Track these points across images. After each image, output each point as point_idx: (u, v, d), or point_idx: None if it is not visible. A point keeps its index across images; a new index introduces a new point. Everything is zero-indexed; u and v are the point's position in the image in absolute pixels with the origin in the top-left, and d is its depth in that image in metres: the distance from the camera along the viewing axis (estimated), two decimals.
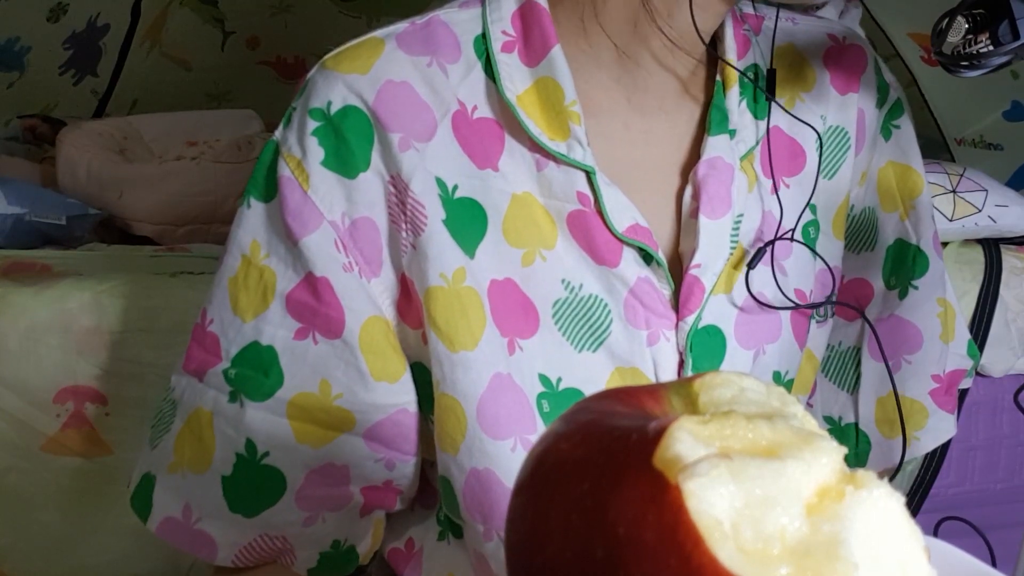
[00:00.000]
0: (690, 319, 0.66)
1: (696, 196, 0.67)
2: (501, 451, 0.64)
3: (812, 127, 0.72)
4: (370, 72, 0.64)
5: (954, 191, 1.38)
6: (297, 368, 0.65)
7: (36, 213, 1.44)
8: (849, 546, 0.26)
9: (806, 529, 0.27)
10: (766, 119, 0.70)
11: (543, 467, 0.31)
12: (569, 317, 0.66)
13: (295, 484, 0.66)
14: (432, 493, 0.73)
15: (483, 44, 0.66)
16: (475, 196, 0.65)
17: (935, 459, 1.37)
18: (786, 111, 0.72)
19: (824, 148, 0.75)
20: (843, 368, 0.84)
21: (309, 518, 0.68)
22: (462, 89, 0.65)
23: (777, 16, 0.74)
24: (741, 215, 0.69)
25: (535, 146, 0.65)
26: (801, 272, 0.73)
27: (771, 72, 0.71)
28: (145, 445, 0.70)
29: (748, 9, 0.74)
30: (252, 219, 0.66)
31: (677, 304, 0.67)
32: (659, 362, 0.67)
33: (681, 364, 0.67)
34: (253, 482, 0.66)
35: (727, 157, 0.68)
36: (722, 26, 0.69)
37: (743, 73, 0.69)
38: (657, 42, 0.65)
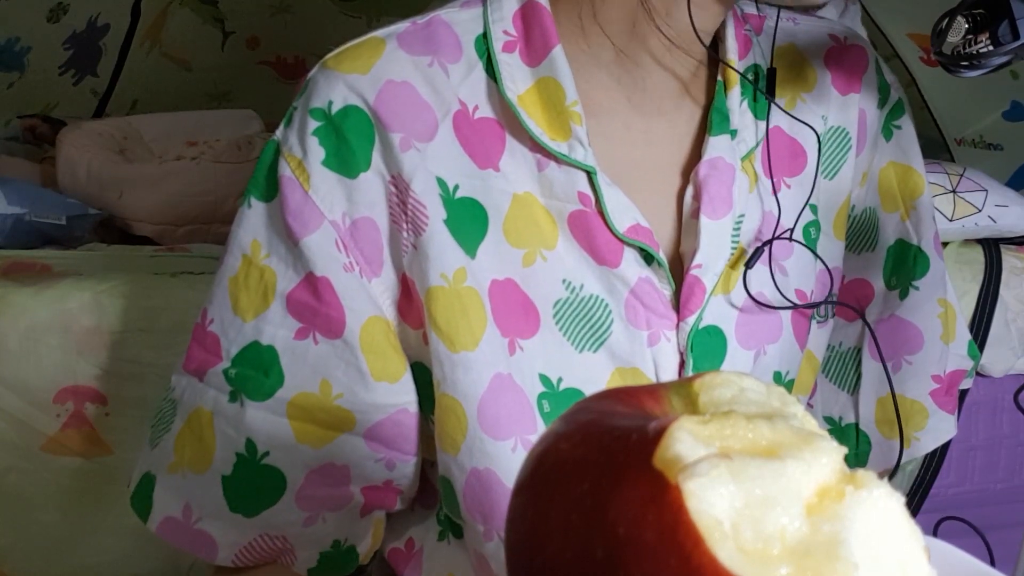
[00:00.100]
0: (691, 319, 0.66)
1: (697, 196, 0.67)
2: (502, 451, 0.64)
3: (811, 127, 0.72)
4: (371, 72, 0.64)
5: (954, 191, 1.38)
6: (297, 368, 0.65)
7: (36, 213, 1.44)
8: (849, 546, 0.26)
9: (806, 529, 0.27)
10: (767, 119, 0.70)
11: (543, 467, 0.31)
12: (570, 317, 0.66)
13: (295, 484, 0.66)
14: (432, 493, 0.73)
15: (484, 44, 0.66)
16: (476, 196, 0.65)
17: (935, 459, 1.37)
18: (785, 112, 0.72)
19: (825, 148, 0.75)
20: (843, 368, 0.84)
21: (309, 518, 0.68)
22: (463, 89, 0.65)
23: (778, 16, 0.74)
24: (742, 215, 0.69)
25: (536, 146, 0.65)
26: (802, 272, 0.73)
27: (771, 71, 0.71)
28: (145, 445, 0.70)
29: (750, 9, 0.74)
30: (253, 219, 0.66)
31: (678, 304, 0.67)
32: (660, 362, 0.67)
33: (682, 364, 0.67)
34: (253, 482, 0.66)
35: (728, 157, 0.68)
36: (723, 26, 0.69)
37: (742, 75, 0.69)
38: (656, 42, 0.65)
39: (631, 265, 0.66)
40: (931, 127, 1.85)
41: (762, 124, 0.70)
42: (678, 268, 0.68)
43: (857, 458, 0.84)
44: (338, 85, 0.63)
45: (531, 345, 0.65)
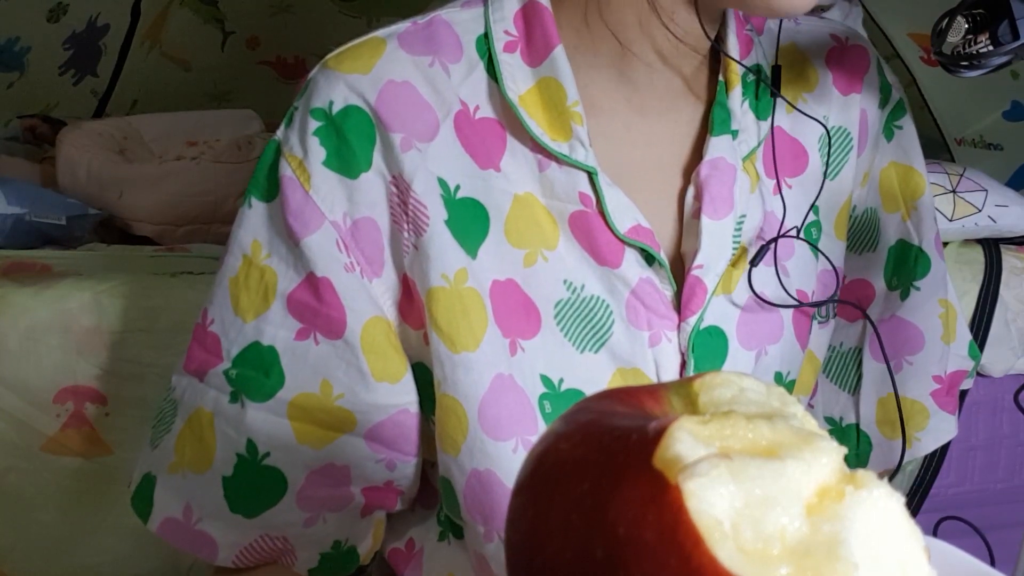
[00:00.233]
0: (692, 320, 0.66)
1: (698, 197, 0.67)
2: (502, 452, 0.64)
3: (820, 122, 0.72)
4: (372, 72, 0.64)
5: (954, 191, 1.38)
6: (298, 368, 0.65)
7: (36, 213, 1.44)
8: (849, 546, 0.26)
9: (806, 529, 0.27)
10: (769, 119, 0.70)
11: (543, 467, 0.31)
12: (571, 318, 0.66)
13: (296, 484, 0.66)
14: (433, 493, 0.73)
15: (485, 44, 0.66)
16: (477, 196, 0.65)
17: (935, 459, 1.37)
18: (794, 107, 0.72)
19: (826, 148, 0.75)
20: (844, 369, 0.84)
21: (310, 518, 0.68)
22: (464, 89, 0.65)
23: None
24: (743, 216, 0.68)
25: (537, 146, 0.65)
26: (803, 272, 0.73)
27: (776, 69, 0.71)
28: (146, 445, 0.70)
29: None
30: (253, 219, 0.66)
31: (679, 305, 0.67)
32: (661, 363, 0.67)
33: (683, 365, 0.67)
34: (254, 482, 0.66)
35: (729, 157, 0.68)
36: (724, 26, 0.69)
37: (747, 68, 0.69)
38: (662, 40, 0.65)
39: (632, 266, 0.65)
40: (931, 127, 1.85)
41: (763, 124, 0.70)
42: (679, 268, 0.68)
43: (858, 458, 0.84)
44: (339, 85, 0.63)
45: (532, 346, 0.65)
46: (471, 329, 0.64)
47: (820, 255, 0.75)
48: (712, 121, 0.68)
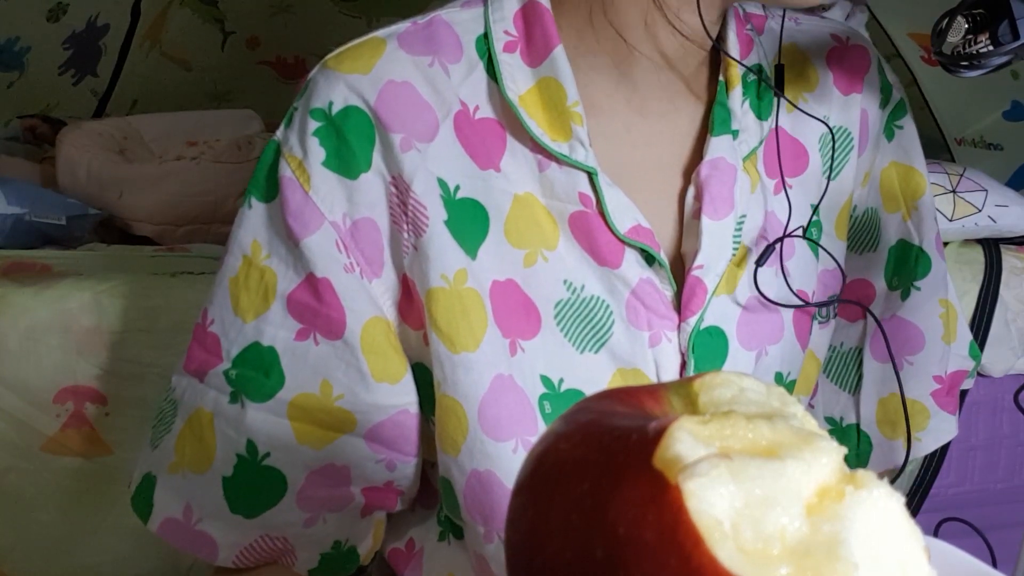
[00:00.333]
0: (692, 320, 0.66)
1: (698, 197, 0.67)
2: (502, 452, 0.64)
3: (823, 121, 0.72)
4: (372, 72, 0.64)
5: (954, 191, 1.38)
6: (298, 369, 0.65)
7: (36, 213, 1.44)
8: (849, 546, 0.26)
9: (806, 529, 0.27)
10: (770, 119, 0.70)
11: (543, 467, 0.31)
12: (571, 318, 0.66)
13: (296, 485, 0.66)
14: (433, 494, 0.73)
15: (485, 44, 0.66)
16: (477, 197, 0.65)
17: (935, 459, 1.37)
18: (795, 106, 0.72)
19: (827, 148, 0.75)
20: (845, 369, 0.84)
21: (310, 519, 0.68)
22: (464, 89, 0.65)
23: (784, 13, 0.74)
24: (744, 216, 0.68)
25: (537, 146, 0.65)
26: (804, 273, 0.73)
27: (779, 68, 0.71)
28: (146, 445, 0.70)
29: (752, 9, 0.74)
30: (253, 219, 0.66)
31: (679, 305, 0.67)
32: (661, 363, 0.67)
33: (683, 365, 0.67)
34: (254, 483, 0.66)
35: (730, 157, 0.68)
36: (725, 26, 0.69)
37: (748, 68, 0.69)
38: (668, 39, 0.65)
39: (632, 266, 0.65)
40: (931, 127, 1.85)
41: (764, 124, 0.70)
42: (679, 269, 0.68)
43: (858, 458, 0.83)
44: (338, 85, 0.63)
45: (532, 346, 0.65)
46: (471, 329, 0.64)
47: (821, 255, 0.75)
48: (712, 121, 0.68)
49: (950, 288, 0.83)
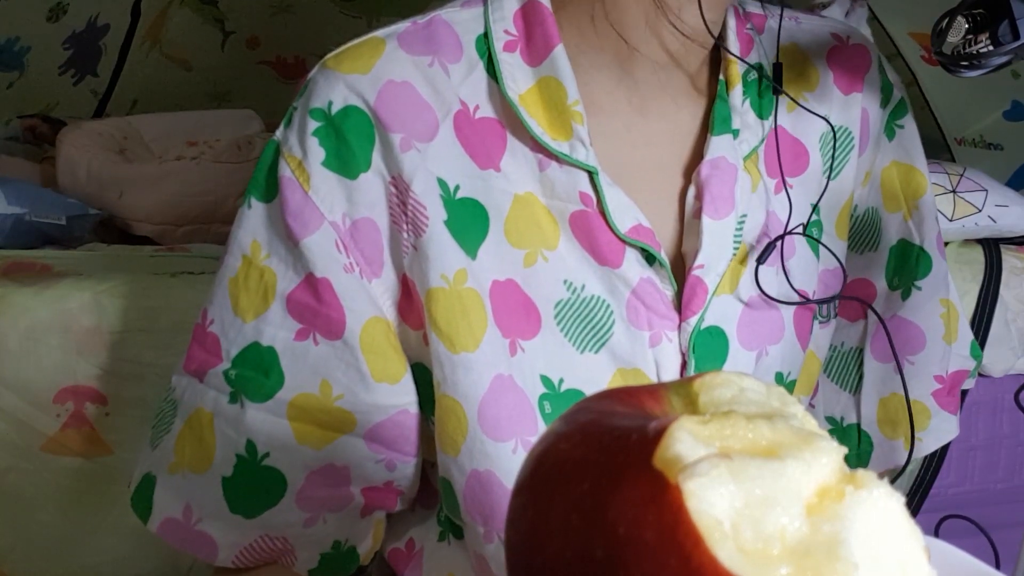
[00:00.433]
0: (693, 320, 0.66)
1: (699, 196, 0.67)
2: (502, 453, 0.64)
3: (825, 119, 0.72)
4: (371, 72, 0.64)
5: (954, 191, 1.38)
6: (298, 369, 0.65)
7: (36, 213, 1.44)
8: (849, 546, 0.26)
9: (806, 529, 0.27)
10: (770, 118, 0.70)
11: (543, 467, 0.31)
12: (571, 318, 0.66)
13: (296, 485, 0.66)
14: (433, 494, 0.73)
15: (485, 44, 0.66)
16: (477, 196, 0.65)
17: (935, 459, 1.37)
18: (796, 102, 0.71)
19: (827, 148, 0.75)
20: (845, 369, 0.84)
21: (310, 519, 0.68)
22: (464, 89, 0.65)
23: (781, 14, 0.74)
24: (745, 215, 0.68)
25: (537, 146, 0.65)
26: (804, 272, 0.73)
27: (777, 66, 0.71)
28: (146, 445, 0.70)
29: (752, 9, 0.74)
30: (253, 219, 0.66)
31: (680, 305, 0.67)
32: (661, 363, 0.67)
33: (684, 365, 0.67)
34: (253, 483, 0.66)
35: (730, 157, 0.68)
36: (725, 25, 0.69)
37: (750, 64, 0.69)
38: (670, 38, 0.65)
39: (633, 265, 0.65)
40: (932, 127, 1.85)
41: (765, 124, 0.70)
42: (680, 268, 0.68)
43: (859, 458, 0.83)
44: (338, 85, 0.63)
45: (532, 346, 0.65)
46: (470, 330, 0.64)
47: (821, 255, 0.74)
48: (713, 120, 0.68)
49: (951, 288, 0.83)
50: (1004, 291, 1.36)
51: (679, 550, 0.26)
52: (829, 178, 0.74)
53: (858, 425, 0.83)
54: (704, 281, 0.66)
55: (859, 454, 0.84)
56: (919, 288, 0.80)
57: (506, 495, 0.63)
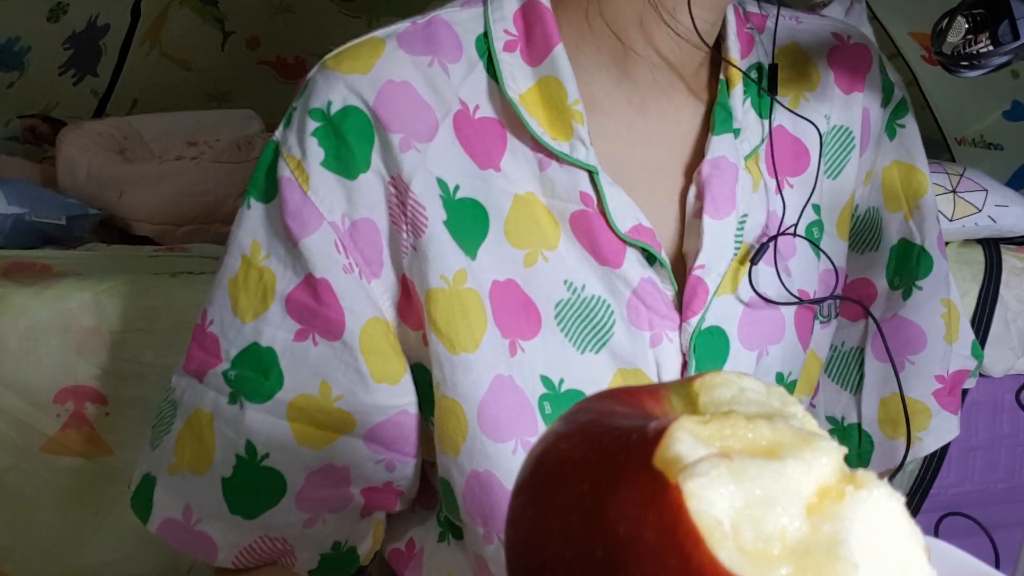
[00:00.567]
0: (694, 320, 0.66)
1: (700, 196, 0.67)
2: (502, 453, 0.64)
3: (812, 123, 0.72)
4: (371, 72, 0.64)
5: (954, 191, 1.38)
6: (297, 370, 0.65)
7: (36, 213, 1.44)
8: (849, 546, 0.26)
9: (806, 529, 0.27)
10: (770, 117, 0.70)
11: (543, 467, 0.31)
12: (571, 318, 0.66)
13: (295, 486, 0.66)
14: (433, 494, 0.73)
15: (485, 43, 0.66)
16: (477, 197, 0.65)
17: (935, 459, 1.37)
18: (787, 108, 0.71)
19: (828, 147, 0.75)
20: (846, 368, 0.83)
21: (309, 519, 0.68)
22: (464, 88, 0.65)
23: (778, 13, 0.74)
24: (746, 215, 0.68)
25: (538, 145, 0.65)
26: (805, 272, 0.73)
27: (772, 67, 0.71)
28: (145, 445, 0.70)
29: (752, 8, 0.74)
30: (252, 219, 0.66)
31: (680, 305, 0.67)
32: (662, 363, 0.67)
33: (684, 365, 0.67)
34: (253, 484, 0.66)
35: (731, 156, 0.68)
36: (725, 25, 0.69)
37: (744, 72, 0.69)
38: (664, 38, 0.65)
39: (633, 265, 0.65)
40: (932, 126, 1.85)
41: (765, 123, 0.70)
42: (680, 268, 0.68)
43: (859, 458, 0.83)
44: (337, 85, 0.63)
45: (532, 346, 0.65)
46: (470, 330, 0.64)
47: (821, 255, 0.74)
48: (713, 120, 0.68)
49: (952, 287, 0.83)
50: (1004, 291, 1.36)
51: (679, 550, 0.26)
52: (818, 175, 0.73)
53: (859, 425, 0.83)
54: (705, 281, 0.66)
55: (860, 454, 0.84)
56: (920, 288, 0.80)
57: (506, 496, 0.63)
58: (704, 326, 0.67)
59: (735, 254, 0.68)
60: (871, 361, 0.82)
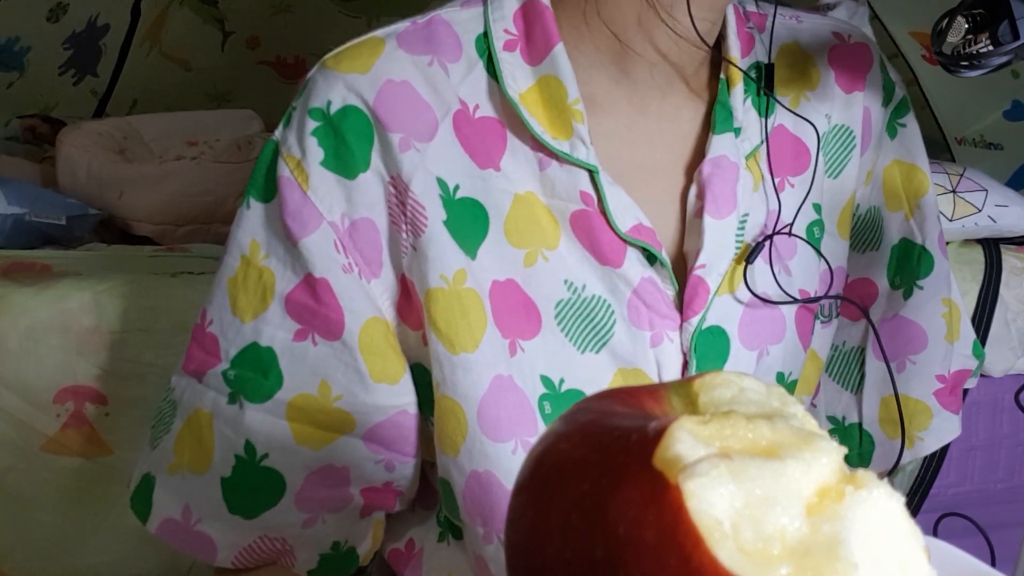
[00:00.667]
0: (695, 320, 0.66)
1: (701, 195, 0.67)
2: (502, 453, 0.64)
3: (811, 123, 0.72)
4: (370, 72, 0.64)
5: (954, 191, 1.38)
6: (296, 369, 0.65)
7: (36, 213, 1.44)
8: (849, 546, 0.26)
9: (806, 529, 0.26)
10: (772, 117, 0.70)
11: (543, 467, 0.31)
12: (572, 318, 0.65)
13: (294, 486, 0.66)
14: (432, 494, 0.73)
15: (485, 43, 0.66)
16: (477, 196, 0.65)
17: (935, 459, 1.37)
18: (786, 108, 0.71)
19: (829, 147, 0.75)
20: (847, 368, 0.83)
21: (309, 519, 0.68)
22: (463, 88, 0.65)
23: (775, 12, 0.74)
24: (747, 214, 0.68)
25: (538, 145, 0.65)
26: (806, 272, 0.73)
27: (769, 67, 0.71)
28: (145, 445, 0.70)
29: (752, 8, 0.74)
30: (252, 219, 0.66)
31: (681, 305, 0.67)
32: (663, 363, 0.66)
33: (685, 365, 0.67)
34: (252, 484, 0.66)
35: (732, 156, 0.67)
36: (725, 24, 0.69)
37: (744, 71, 0.69)
38: (662, 36, 0.65)
39: (634, 265, 0.65)
40: (932, 126, 1.85)
41: (767, 122, 0.70)
42: (681, 268, 0.68)
43: (860, 458, 0.83)
44: (337, 85, 0.63)
45: (532, 346, 0.65)
46: (470, 330, 0.64)
47: (821, 254, 0.74)
48: (714, 119, 0.68)
49: (953, 287, 0.83)
50: (1004, 291, 1.36)
51: (679, 550, 0.26)
52: (815, 171, 0.73)
53: (860, 424, 0.83)
54: (706, 281, 0.66)
55: (861, 453, 0.84)
56: (921, 287, 0.80)
57: (506, 496, 0.63)
58: (705, 326, 0.67)
59: (736, 254, 0.68)
60: (872, 361, 0.82)
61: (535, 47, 0.65)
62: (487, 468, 0.64)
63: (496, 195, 0.65)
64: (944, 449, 1.35)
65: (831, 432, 0.84)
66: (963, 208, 1.37)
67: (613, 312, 0.66)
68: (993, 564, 0.39)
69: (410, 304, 0.66)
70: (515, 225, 0.65)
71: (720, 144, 0.67)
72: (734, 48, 0.69)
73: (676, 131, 0.69)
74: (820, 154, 0.74)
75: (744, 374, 0.32)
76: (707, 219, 0.66)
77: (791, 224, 0.71)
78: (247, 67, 2.65)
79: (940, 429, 0.82)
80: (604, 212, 0.65)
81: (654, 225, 0.66)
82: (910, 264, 0.80)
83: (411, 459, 0.69)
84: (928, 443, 0.83)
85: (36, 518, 1.08)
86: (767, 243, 0.69)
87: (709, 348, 0.67)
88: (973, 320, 1.34)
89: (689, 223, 0.68)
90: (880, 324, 0.80)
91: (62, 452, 1.08)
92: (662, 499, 0.26)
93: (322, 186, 0.63)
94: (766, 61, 0.72)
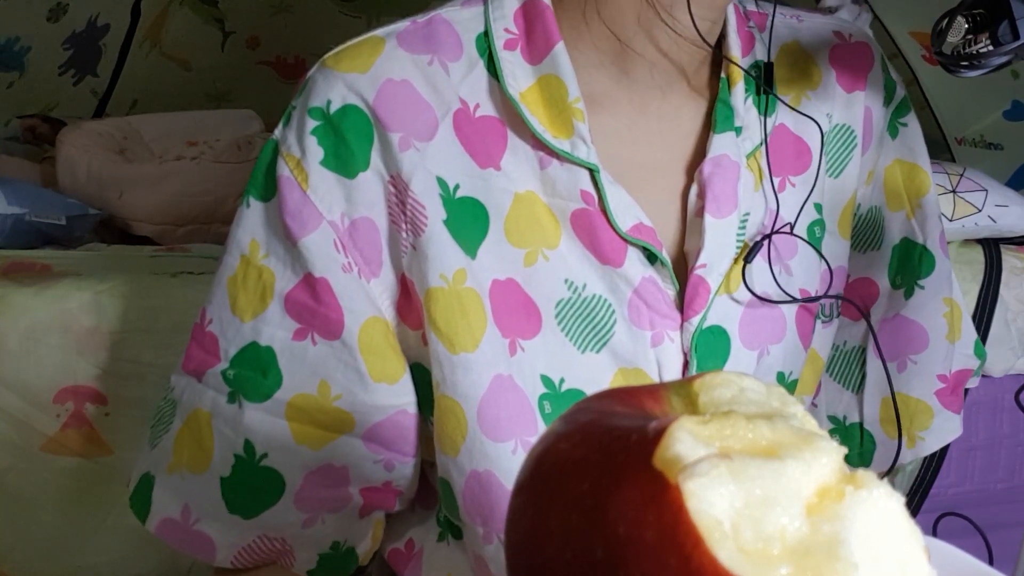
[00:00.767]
0: (695, 320, 0.66)
1: (701, 195, 0.67)
2: (501, 453, 0.64)
3: (814, 120, 0.71)
4: (370, 71, 0.63)
5: (954, 191, 1.38)
6: (296, 369, 0.65)
7: (36, 213, 1.44)
8: (849, 546, 0.26)
9: (806, 529, 0.26)
10: (773, 116, 0.70)
11: (543, 467, 0.31)
12: (572, 317, 0.65)
13: (294, 485, 0.66)
14: (432, 494, 0.73)
15: (485, 42, 0.66)
16: (477, 196, 0.65)
17: (935, 459, 1.37)
18: (788, 105, 0.71)
19: (830, 146, 0.75)
20: (848, 368, 0.83)
21: (308, 519, 0.68)
22: (464, 87, 0.65)
23: (774, 12, 0.74)
24: (747, 214, 0.68)
25: (538, 144, 0.65)
26: (807, 271, 0.73)
27: (768, 66, 0.70)
28: (145, 445, 0.70)
29: (752, 7, 0.74)
30: (251, 219, 0.66)
31: (682, 304, 0.67)
32: (663, 363, 0.66)
33: (685, 365, 0.67)
34: (252, 483, 0.66)
35: (733, 155, 0.67)
36: (725, 23, 0.69)
37: (745, 70, 0.69)
38: (662, 36, 0.65)
39: (634, 264, 0.65)
40: (932, 126, 1.85)
41: (768, 121, 0.70)
42: (682, 267, 0.68)
43: (861, 458, 0.83)
44: (337, 84, 0.63)
45: (532, 346, 0.65)
46: (470, 330, 0.64)
47: (821, 254, 0.74)
48: (715, 118, 0.68)
49: (954, 286, 0.83)
50: (1004, 291, 1.36)
51: (679, 550, 0.26)
52: (819, 170, 0.73)
53: (861, 424, 0.83)
54: (706, 280, 0.66)
55: (862, 453, 0.83)
56: (922, 287, 0.80)
57: (505, 495, 0.63)
58: (705, 325, 0.67)
59: (737, 253, 0.68)
60: (873, 360, 0.81)
61: (535, 46, 0.65)
62: (487, 468, 0.64)
63: (496, 194, 0.65)
64: (944, 449, 1.35)
65: (832, 432, 0.84)
66: (963, 208, 1.37)
67: (613, 312, 0.66)
68: (991, 564, 0.39)
69: (410, 304, 0.66)
70: (515, 224, 0.65)
71: (721, 143, 0.67)
72: (735, 47, 0.69)
73: (677, 130, 0.69)
74: (824, 152, 0.74)
75: (744, 374, 0.32)
76: (708, 218, 0.66)
77: (793, 224, 0.71)
78: (247, 67, 2.65)
79: (941, 429, 0.82)
80: (605, 211, 0.65)
81: (655, 224, 0.65)
82: (911, 264, 0.80)
83: (411, 459, 0.69)
84: (929, 443, 0.83)
85: (36, 518, 1.08)
86: (765, 242, 0.69)
87: (709, 348, 0.67)
88: (973, 320, 1.34)
89: (690, 222, 0.68)
90: (881, 323, 0.80)
91: (62, 452, 1.08)
92: (662, 499, 0.26)
93: (322, 185, 0.63)
94: (766, 60, 0.71)
